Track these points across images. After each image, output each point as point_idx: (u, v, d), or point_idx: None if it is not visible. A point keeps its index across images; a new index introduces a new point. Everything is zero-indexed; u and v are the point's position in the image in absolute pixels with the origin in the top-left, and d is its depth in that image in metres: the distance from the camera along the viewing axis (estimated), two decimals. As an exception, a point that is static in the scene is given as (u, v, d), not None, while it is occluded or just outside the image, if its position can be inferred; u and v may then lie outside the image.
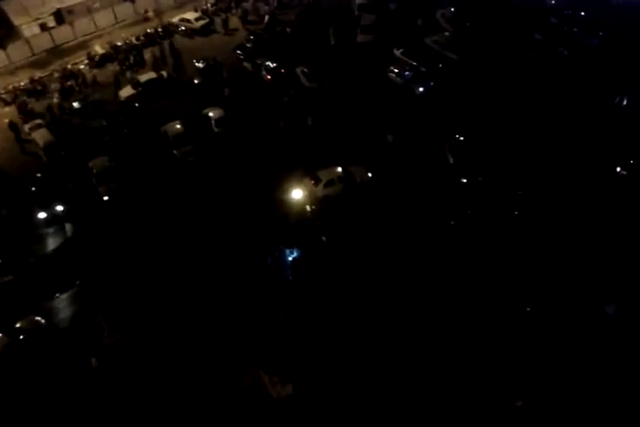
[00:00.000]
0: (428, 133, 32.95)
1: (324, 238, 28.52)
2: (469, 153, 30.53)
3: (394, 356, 22.97)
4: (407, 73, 37.31)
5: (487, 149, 30.69)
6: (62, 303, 27.79)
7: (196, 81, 41.22)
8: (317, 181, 30.94)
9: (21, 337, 26.33)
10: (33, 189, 33.97)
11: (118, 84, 41.44)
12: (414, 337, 23.50)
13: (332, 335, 24.14)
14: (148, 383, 23.77)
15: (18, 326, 26.58)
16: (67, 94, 41.57)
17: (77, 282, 28.52)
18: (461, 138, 31.55)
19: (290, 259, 27.63)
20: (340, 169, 31.33)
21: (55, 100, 41.23)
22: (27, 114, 39.86)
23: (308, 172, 31.59)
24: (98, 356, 25.26)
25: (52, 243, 31.60)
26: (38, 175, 34.71)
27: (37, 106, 40.92)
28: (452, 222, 27.89)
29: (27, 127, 38.46)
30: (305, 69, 39.40)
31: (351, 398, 21.87)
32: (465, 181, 29.56)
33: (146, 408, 22.88)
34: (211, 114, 36.80)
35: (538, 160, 30.30)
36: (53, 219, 32.41)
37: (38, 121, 38.66)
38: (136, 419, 22.58)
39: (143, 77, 41.14)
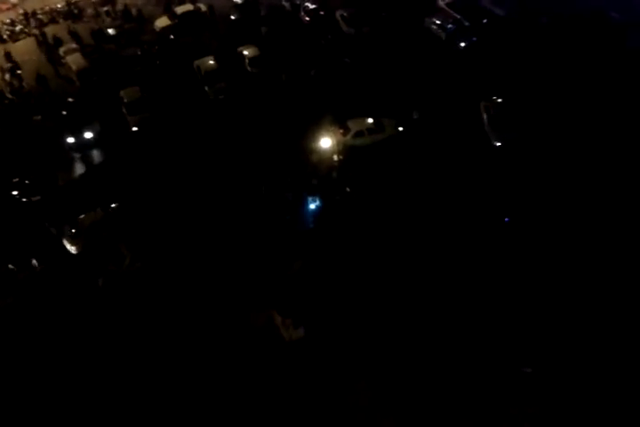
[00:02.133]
0: (465, 91, 31.07)
1: (348, 189, 27.53)
2: (505, 115, 28.73)
3: (406, 307, 22.51)
4: (450, 26, 34.84)
5: (525, 112, 28.78)
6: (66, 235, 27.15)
7: (232, 17, 39.10)
8: (346, 130, 29.54)
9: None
10: (64, 113, 33.01)
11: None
12: (427, 292, 22.91)
13: (347, 283, 23.64)
14: (157, 314, 23.54)
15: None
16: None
17: (99, 208, 27.87)
18: (499, 100, 29.68)
19: (312, 207, 26.83)
20: (370, 120, 29.84)
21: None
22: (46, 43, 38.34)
23: (337, 121, 30.12)
24: (106, 277, 25.04)
25: (79, 168, 31.02)
26: (70, 100, 33.69)
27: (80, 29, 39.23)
28: (480, 183, 26.60)
29: (61, 51, 36.98)
30: (345, 13, 37.01)
31: (361, 345, 21.62)
32: (498, 144, 28.00)
33: (150, 339, 22.78)
34: (245, 52, 34.92)
35: (577, 127, 28.36)
36: (82, 144, 31.60)
37: (73, 45, 37.10)
38: (140, 347, 22.56)
39: (180, 9, 39.05)
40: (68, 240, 26.40)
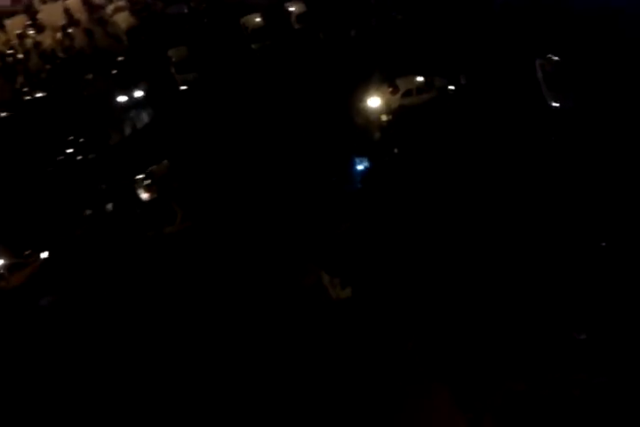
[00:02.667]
0: (520, 48, 29.51)
1: (396, 150, 26.93)
2: (563, 74, 27.22)
3: (454, 271, 22.17)
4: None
5: (583, 71, 27.22)
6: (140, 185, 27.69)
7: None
8: (396, 89, 28.64)
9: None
10: (114, 72, 33.10)
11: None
12: (479, 253, 22.41)
13: (394, 244, 23.40)
14: (207, 268, 23.84)
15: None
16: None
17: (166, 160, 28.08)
18: (555, 58, 28.08)
19: (360, 168, 26.42)
20: (420, 78, 28.79)
21: None
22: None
23: (386, 79, 29.18)
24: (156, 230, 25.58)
25: (129, 126, 31.26)
26: (120, 59, 33.69)
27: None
28: (534, 145, 25.49)
29: (109, 9, 36.78)
30: (395, -33, 35.39)
31: (409, 305, 21.56)
32: (555, 104, 26.60)
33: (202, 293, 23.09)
34: (292, 9, 34.06)
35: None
36: (132, 103, 31.74)
37: (121, 3, 36.82)
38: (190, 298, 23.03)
39: (225, -36, 38.00)
40: (142, 190, 27.10)
